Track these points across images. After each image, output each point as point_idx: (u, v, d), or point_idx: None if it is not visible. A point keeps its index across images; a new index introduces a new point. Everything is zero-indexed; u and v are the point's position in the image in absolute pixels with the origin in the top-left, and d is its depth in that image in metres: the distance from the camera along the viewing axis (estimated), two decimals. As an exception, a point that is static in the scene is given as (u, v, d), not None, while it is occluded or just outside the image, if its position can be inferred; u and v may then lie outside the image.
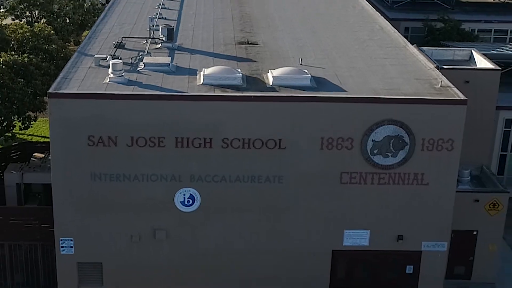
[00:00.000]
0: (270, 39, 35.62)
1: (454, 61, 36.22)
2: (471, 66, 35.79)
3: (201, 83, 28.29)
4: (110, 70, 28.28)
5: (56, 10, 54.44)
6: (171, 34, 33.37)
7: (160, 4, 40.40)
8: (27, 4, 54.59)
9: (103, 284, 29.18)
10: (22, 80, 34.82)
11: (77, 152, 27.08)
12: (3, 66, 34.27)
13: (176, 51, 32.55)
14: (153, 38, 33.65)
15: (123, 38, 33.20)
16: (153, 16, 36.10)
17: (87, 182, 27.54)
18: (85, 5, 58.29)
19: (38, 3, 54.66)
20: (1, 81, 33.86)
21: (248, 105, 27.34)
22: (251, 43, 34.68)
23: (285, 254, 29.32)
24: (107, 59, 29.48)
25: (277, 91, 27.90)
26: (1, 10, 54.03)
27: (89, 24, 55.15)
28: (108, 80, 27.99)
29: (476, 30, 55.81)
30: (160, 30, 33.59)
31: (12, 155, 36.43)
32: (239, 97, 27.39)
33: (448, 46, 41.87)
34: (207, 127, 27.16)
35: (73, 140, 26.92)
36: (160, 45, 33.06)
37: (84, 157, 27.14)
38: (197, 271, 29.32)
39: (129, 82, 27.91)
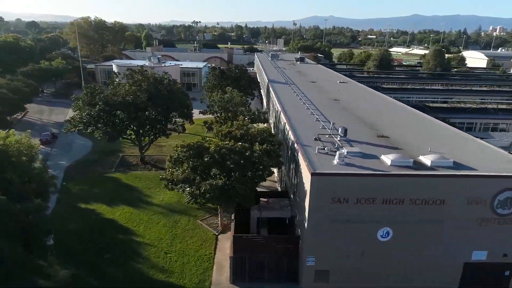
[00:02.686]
0: (390, 134, 30.01)
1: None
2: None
3: (389, 164, 22.90)
4: (336, 157, 23.23)
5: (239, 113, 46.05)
6: (345, 132, 28.30)
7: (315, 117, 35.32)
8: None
9: (328, 282, 23.71)
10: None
11: (323, 205, 22.07)
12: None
13: (349, 142, 27.35)
14: (335, 134, 28.47)
15: (318, 134, 28.15)
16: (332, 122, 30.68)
17: (327, 224, 22.43)
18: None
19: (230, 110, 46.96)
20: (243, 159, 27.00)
21: (429, 180, 21.84)
22: (384, 136, 29.37)
23: (437, 263, 23.66)
24: (325, 149, 24.55)
25: (436, 170, 22.36)
26: (216, 115, 46.69)
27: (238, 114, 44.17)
28: (336, 163, 22.96)
29: None
30: (339, 130, 28.45)
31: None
32: (424, 175, 21.94)
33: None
34: (400, 192, 21.84)
35: (322, 199, 21.99)
36: (339, 138, 27.73)
37: (327, 209, 22.11)
38: (385, 273, 23.75)
39: (347, 164, 22.65)
